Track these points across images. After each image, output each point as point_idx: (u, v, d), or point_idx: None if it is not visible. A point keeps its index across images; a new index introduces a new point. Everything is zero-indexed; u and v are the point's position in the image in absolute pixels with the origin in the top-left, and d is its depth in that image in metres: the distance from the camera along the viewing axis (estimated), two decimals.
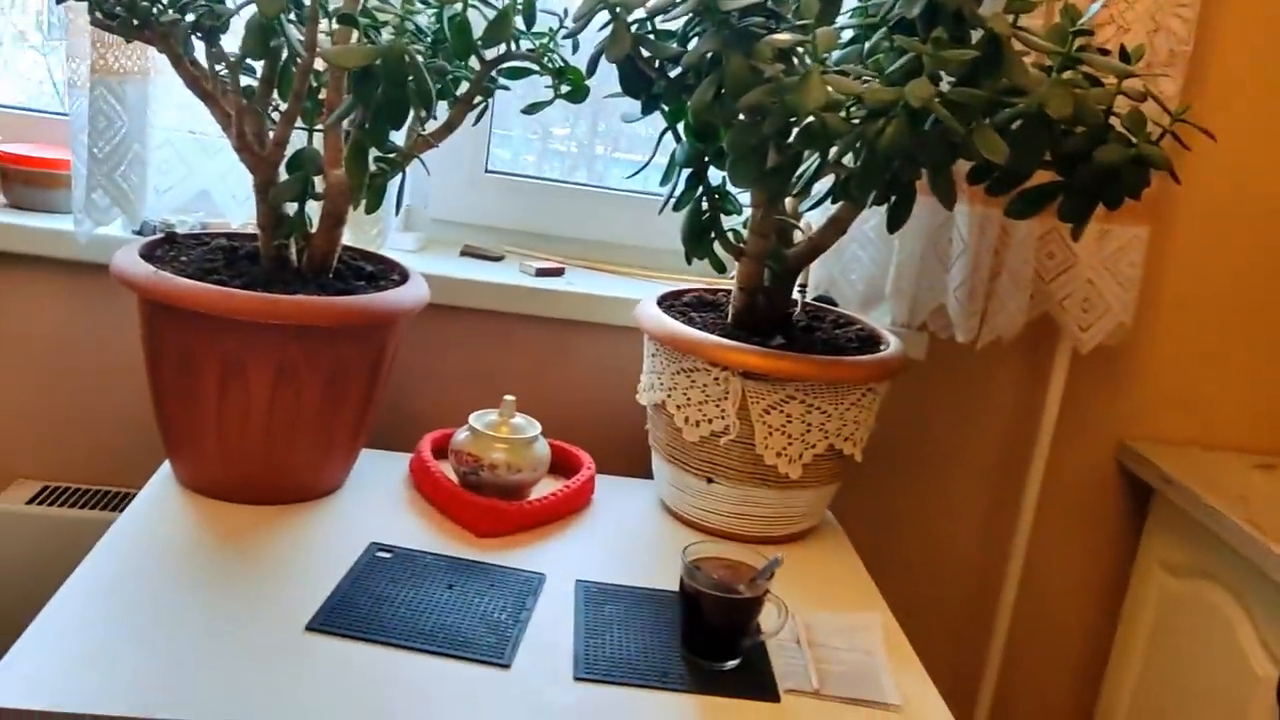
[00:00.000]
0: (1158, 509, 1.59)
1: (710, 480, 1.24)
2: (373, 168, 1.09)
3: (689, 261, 1.22)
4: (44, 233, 1.36)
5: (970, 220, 1.38)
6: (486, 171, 1.59)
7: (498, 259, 1.55)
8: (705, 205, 1.18)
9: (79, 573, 1.00)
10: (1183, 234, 1.56)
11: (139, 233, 1.36)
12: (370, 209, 1.11)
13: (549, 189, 1.60)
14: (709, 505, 1.26)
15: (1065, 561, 1.66)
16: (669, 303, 1.33)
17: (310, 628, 0.97)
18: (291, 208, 1.17)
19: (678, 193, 1.19)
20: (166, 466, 1.22)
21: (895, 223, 1.09)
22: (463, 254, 1.55)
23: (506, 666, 0.96)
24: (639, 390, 1.31)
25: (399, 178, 1.16)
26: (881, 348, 1.28)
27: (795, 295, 1.38)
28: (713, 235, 1.20)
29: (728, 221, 1.22)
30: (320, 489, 1.21)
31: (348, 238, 1.37)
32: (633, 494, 1.36)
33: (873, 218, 1.45)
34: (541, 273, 1.49)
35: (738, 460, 1.22)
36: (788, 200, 1.26)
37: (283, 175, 1.16)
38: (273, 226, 1.16)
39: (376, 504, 1.23)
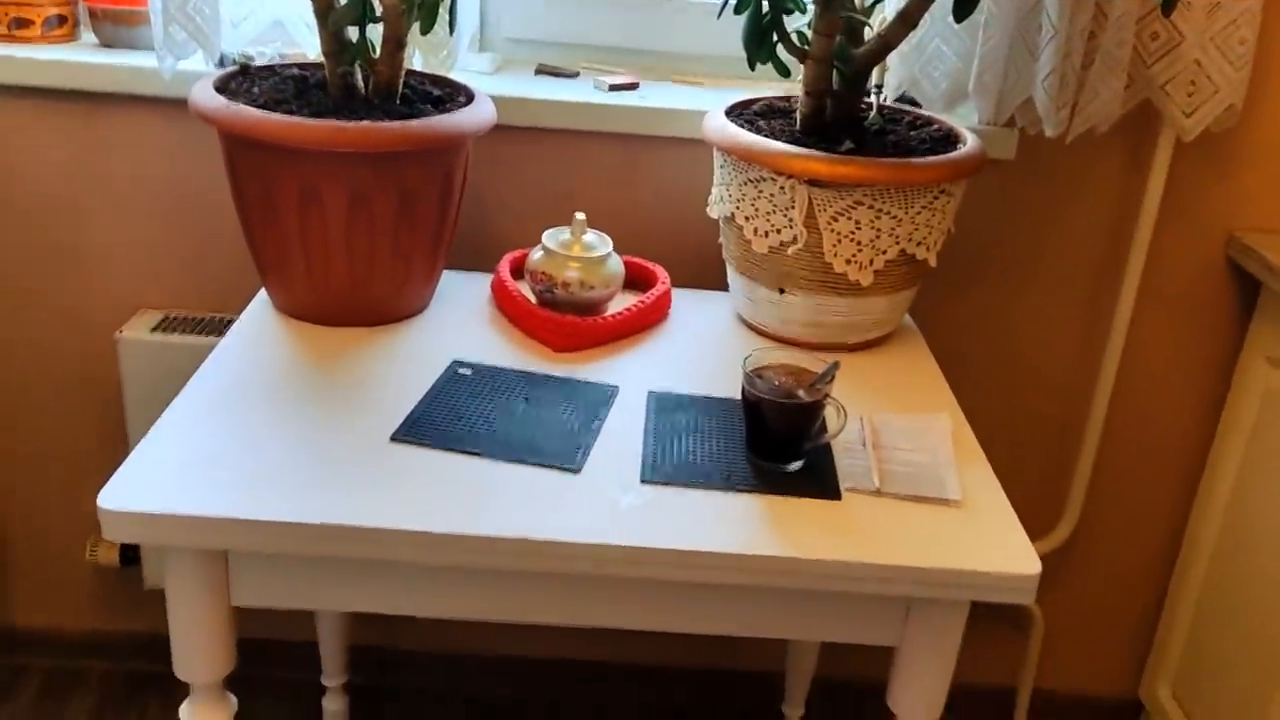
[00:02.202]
0: (1266, 302, 1.53)
1: (782, 290, 1.25)
2: None
3: (751, 67, 1.19)
4: (132, 70, 1.40)
5: (1060, 1, 1.30)
6: None
7: (573, 76, 1.54)
8: (766, 6, 1.15)
9: (184, 392, 1.08)
10: None
11: (220, 66, 1.39)
12: (424, 29, 1.12)
13: (625, 1, 1.56)
14: (782, 315, 1.27)
15: (1164, 363, 1.62)
16: (738, 112, 1.31)
17: (394, 438, 1.04)
18: (354, 34, 1.18)
19: None
20: (263, 293, 1.29)
21: (962, 10, 1.04)
22: (538, 73, 1.54)
23: (577, 471, 1.02)
24: (709, 203, 1.30)
25: None
26: (958, 147, 1.25)
27: (871, 98, 1.34)
28: (775, 38, 1.16)
29: (791, 23, 1.18)
30: (404, 310, 1.26)
31: (418, 63, 1.39)
32: (708, 306, 1.37)
33: None
34: (615, 88, 1.48)
35: (808, 269, 1.22)
36: None
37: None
38: (336, 53, 1.17)
39: (459, 323, 1.28)
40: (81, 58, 1.42)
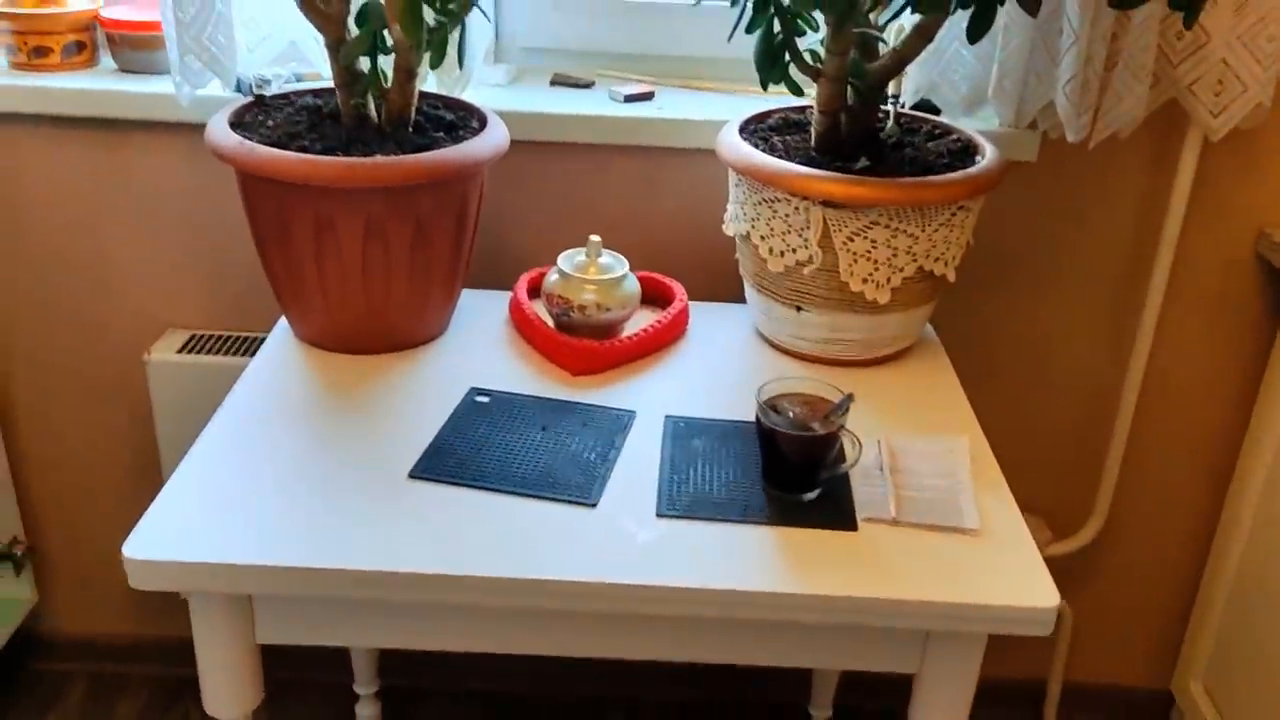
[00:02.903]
0: None
1: (799, 309, 1.24)
2: (431, 22, 1.08)
3: (764, 88, 1.18)
4: (151, 97, 1.41)
5: (1081, 5, 1.27)
6: None
7: (588, 85, 1.53)
8: (777, 26, 1.13)
9: (206, 431, 1.10)
10: None
11: (238, 90, 1.40)
12: (434, 64, 1.12)
13: (638, 6, 1.55)
14: (799, 333, 1.27)
15: (1194, 361, 1.60)
16: (752, 127, 1.30)
17: (413, 474, 1.05)
18: (366, 64, 1.19)
19: (747, 15, 1.14)
20: (284, 320, 1.30)
21: (976, 32, 1.03)
22: (553, 83, 1.54)
23: (593, 505, 1.02)
24: (725, 220, 1.30)
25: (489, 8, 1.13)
26: (977, 159, 1.23)
27: (888, 106, 1.32)
28: (788, 58, 1.15)
29: (803, 42, 1.16)
30: (423, 335, 1.27)
31: (431, 83, 1.39)
32: (728, 321, 1.37)
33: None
34: (630, 98, 1.47)
35: (824, 288, 1.21)
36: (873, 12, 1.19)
37: (354, 31, 1.17)
38: (348, 85, 1.18)
39: (478, 347, 1.28)
40: (100, 85, 1.43)
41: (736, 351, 1.31)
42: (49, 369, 1.61)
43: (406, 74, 1.17)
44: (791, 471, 1.03)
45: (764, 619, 0.95)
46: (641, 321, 1.29)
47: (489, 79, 1.51)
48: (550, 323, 1.28)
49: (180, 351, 1.53)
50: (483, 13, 1.35)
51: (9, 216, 1.52)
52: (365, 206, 1.13)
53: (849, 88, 1.20)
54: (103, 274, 1.55)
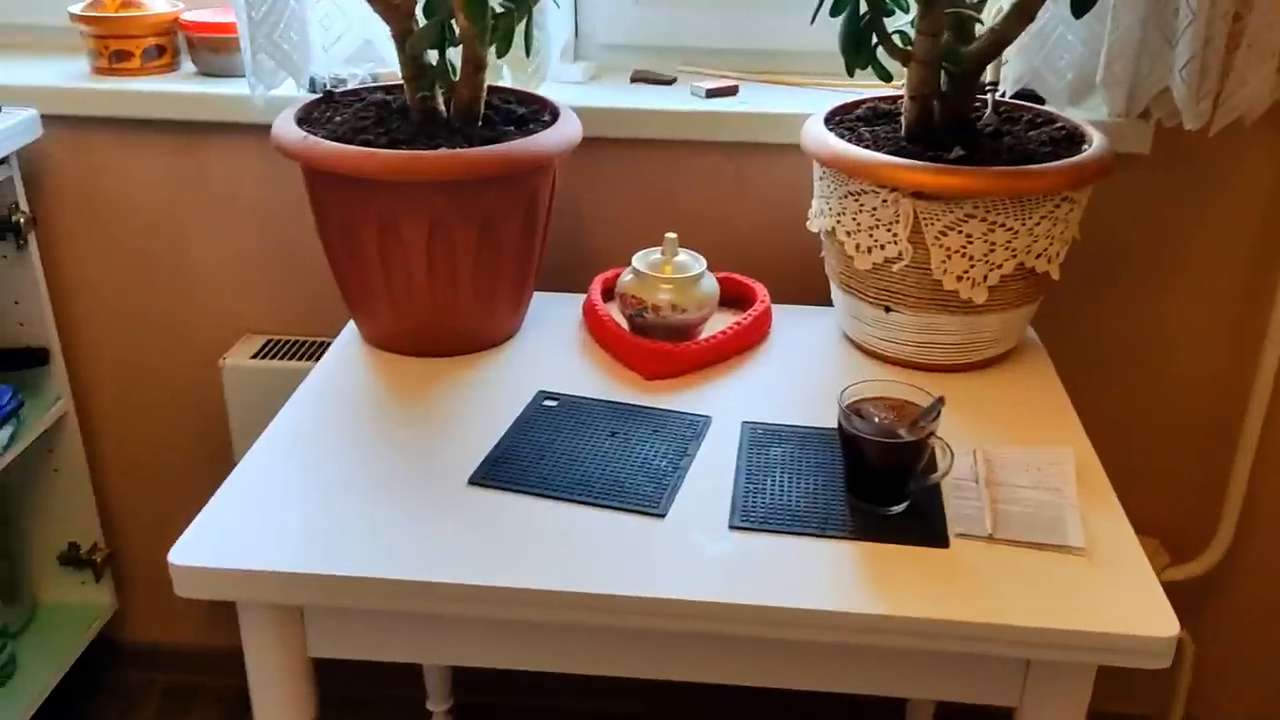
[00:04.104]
0: None
1: (888, 309, 1.16)
2: (498, 8, 1.04)
3: (850, 73, 1.10)
4: (227, 98, 1.40)
5: None
6: None
7: (669, 82, 1.47)
8: (864, 7, 1.06)
9: (266, 434, 1.07)
10: None
11: (312, 90, 1.38)
12: (500, 53, 1.07)
13: (721, 0, 1.48)
14: (889, 335, 1.18)
15: None
16: (838, 117, 1.22)
17: (473, 481, 1.00)
18: (434, 56, 1.15)
19: None
20: (352, 323, 1.27)
21: (1081, 7, 0.94)
22: (633, 80, 1.48)
23: (662, 516, 0.96)
24: (809, 216, 1.22)
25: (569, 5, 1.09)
26: (1083, 148, 1.13)
27: (986, 95, 1.24)
28: (875, 40, 1.07)
29: (892, 23, 1.09)
30: (492, 338, 1.22)
31: (507, 78, 1.35)
32: (812, 324, 1.29)
33: None
34: (712, 93, 1.41)
35: (915, 286, 1.13)
36: None
37: (422, 23, 1.13)
38: (415, 78, 1.14)
39: (549, 350, 1.23)
40: (175, 88, 1.42)
41: (821, 355, 1.23)
42: (128, 373, 1.61)
43: (474, 66, 1.13)
44: (876, 481, 0.95)
45: (844, 642, 0.87)
46: (721, 324, 1.22)
47: (567, 76, 1.46)
48: (624, 325, 1.22)
49: (255, 356, 1.51)
50: (555, 3, 1.30)
51: (91, 219, 1.52)
52: (429, 202, 1.09)
53: (942, 72, 1.12)
54: (181, 277, 1.55)
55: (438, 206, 1.09)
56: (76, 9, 1.46)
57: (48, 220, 1.52)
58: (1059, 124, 1.21)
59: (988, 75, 1.26)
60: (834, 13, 1.08)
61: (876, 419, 0.95)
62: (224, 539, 0.92)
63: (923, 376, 1.18)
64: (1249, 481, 1.50)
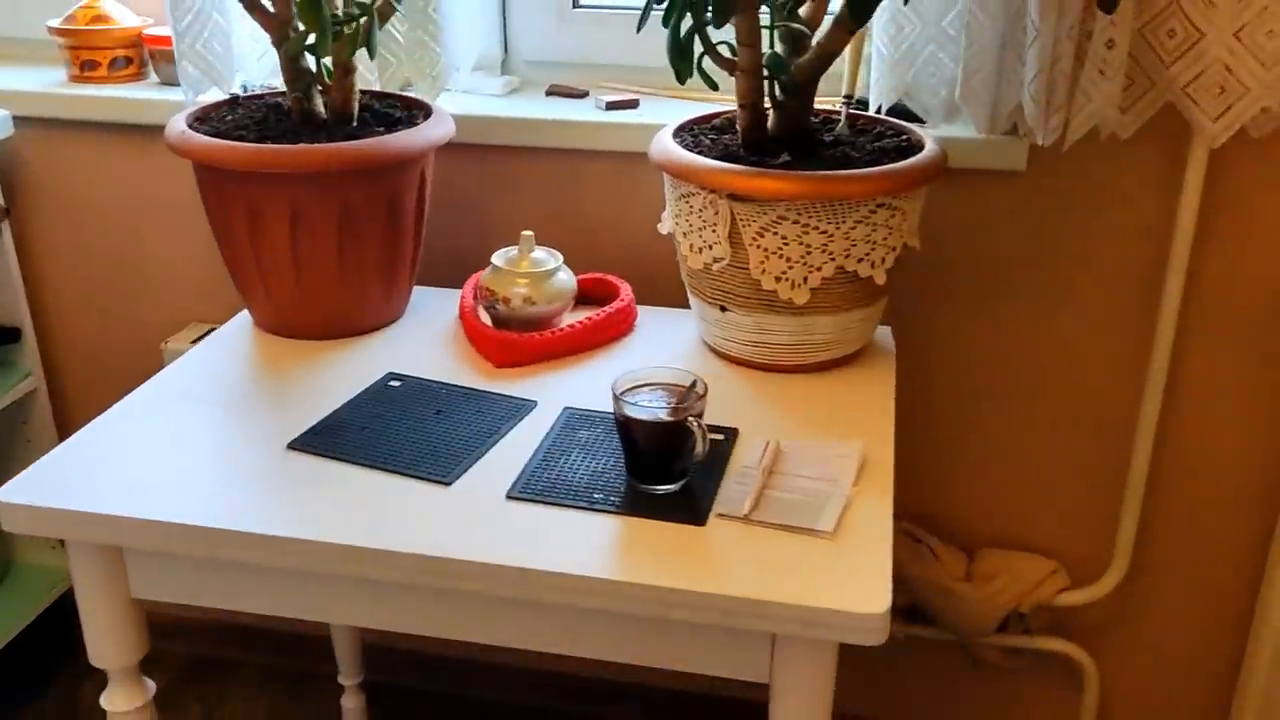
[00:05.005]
0: None
1: (723, 309, 1.21)
2: (341, 14, 1.13)
3: (680, 81, 1.16)
4: (171, 105, 1.53)
5: (1042, 1, 1.20)
6: (575, 7, 1.58)
7: (582, 95, 1.55)
8: (688, 16, 1.12)
9: (130, 395, 1.17)
10: None
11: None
12: (346, 55, 1.16)
13: (634, 20, 1.55)
14: (727, 334, 1.23)
15: (1219, 385, 1.44)
16: (694, 127, 1.28)
17: (291, 446, 1.09)
18: (313, 62, 1.25)
19: (658, 8, 1.13)
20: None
21: (861, 10, 0.98)
22: (548, 93, 1.56)
23: (447, 484, 1.03)
24: (661, 219, 1.29)
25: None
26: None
27: (839, 107, 1.28)
28: (702, 50, 1.13)
29: (722, 35, 1.14)
30: (364, 325, 1.31)
31: (410, 86, 1.44)
32: (678, 325, 1.35)
33: (950, 11, 1.30)
34: (612, 105, 1.48)
35: (743, 287, 1.18)
36: (805, 6, 1.17)
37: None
38: (292, 80, 1.24)
39: (420, 339, 1.31)
40: (128, 94, 1.56)
41: (676, 354, 1.29)
42: (93, 353, 1.75)
43: (343, 70, 1.23)
44: (645, 461, 1.01)
45: (595, 607, 0.93)
46: (582, 319, 1.29)
47: (484, 89, 1.55)
48: (486, 318, 1.30)
49: (195, 341, 1.63)
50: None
51: (60, 212, 1.67)
52: (289, 191, 1.19)
53: (775, 83, 1.17)
54: (137, 267, 1.68)
55: (297, 197, 1.19)
56: (55, 23, 1.61)
57: (22, 212, 1.68)
58: (905, 136, 1.25)
59: (845, 89, 1.30)
60: (664, 22, 1.14)
61: (647, 402, 1.00)
62: (54, 483, 1.03)
63: (761, 376, 1.22)
64: (1145, 505, 1.49)
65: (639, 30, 1.14)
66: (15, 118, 1.59)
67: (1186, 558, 1.54)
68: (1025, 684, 1.66)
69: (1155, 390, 1.42)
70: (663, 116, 1.45)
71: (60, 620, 1.79)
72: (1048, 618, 1.57)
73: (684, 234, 1.20)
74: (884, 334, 1.33)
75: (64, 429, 1.79)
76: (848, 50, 1.31)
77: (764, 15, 1.14)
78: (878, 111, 1.35)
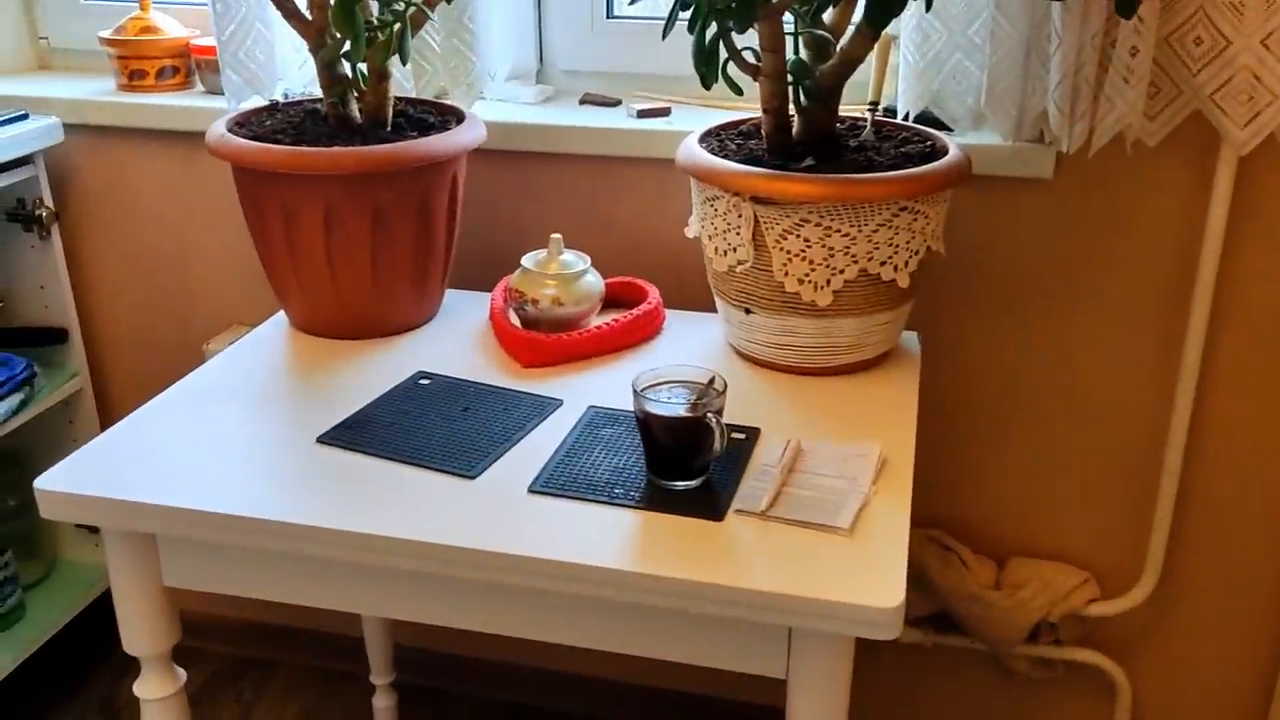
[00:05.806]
0: None
1: (748, 311, 1.23)
2: (376, 20, 1.17)
3: (706, 86, 1.18)
4: (215, 112, 1.57)
5: (1065, 8, 1.21)
6: (608, 17, 1.61)
7: (614, 104, 1.57)
8: (713, 22, 1.14)
9: (169, 391, 1.21)
10: None
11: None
12: (380, 60, 1.19)
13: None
14: (751, 336, 1.25)
15: (1250, 392, 1.43)
16: (720, 133, 1.30)
17: (320, 440, 1.11)
18: (348, 68, 1.28)
19: (684, 15, 1.15)
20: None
21: (877, 16, 1.00)
22: (582, 102, 1.59)
23: (472, 478, 1.05)
24: (688, 223, 1.30)
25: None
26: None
27: (866, 113, 1.30)
28: (727, 55, 1.15)
29: (746, 40, 1.16)
30: (396, 325, 1.34)
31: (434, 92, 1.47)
32: (706, 328, 1.36)
33: (976, 20, 1.31)
34: (644, 114, 1.50)
35: (767, 289, 1.19)
36: (829, 11, 1.18)
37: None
38: (329, 86, 1.28)
39: (452, 339, 1.34)
40: (173, 102, 1.61)
41: (701, 356, 1.30)
42: (137, 354, 1.80)
43: (378, 75, 1.26)
44: (665, 457, 1.02)
45: (611, 599, 0.94)
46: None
47: (519, 97, 1.58)
48: (516, 319, 1.32)
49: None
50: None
51: (108, 216, 1.72)
52: (323, 194, 1.22)
53: (800, 88, 1.18)
54: (182, 270, 1.73)
55: (331, 198, 1.22)
56: (106, 33, 1.66)
57: (71, 215, 1.73)
58: (929, 142, 1.26)
59: (871, 95, 1.31)
60: (689, 28, 1.16)
61: (667, 399, 1.02)
62: (90, 472, 1.06)
63: (784, 378, 1.24)
64: (1176, 516, 1.48)
65: (664, 36, 1.16)
66: (65, 125, 1.64)
67: (1218, 568, 1.53)
68: (1056, 696, 1.65)
69: (1185, 399, 1.42)
70: (694, 124, 1.46)
71: (102, 619, 1.83)
72: (1079, 630, 1.56)
73: (709, 237, 1.22)
74: (909, 339, 1.33)
75: (108, 428, 1.83)
76: (873, 58, 1.32)
77: (788, 23, 1.16)
78: (905, 119, 1.36)
